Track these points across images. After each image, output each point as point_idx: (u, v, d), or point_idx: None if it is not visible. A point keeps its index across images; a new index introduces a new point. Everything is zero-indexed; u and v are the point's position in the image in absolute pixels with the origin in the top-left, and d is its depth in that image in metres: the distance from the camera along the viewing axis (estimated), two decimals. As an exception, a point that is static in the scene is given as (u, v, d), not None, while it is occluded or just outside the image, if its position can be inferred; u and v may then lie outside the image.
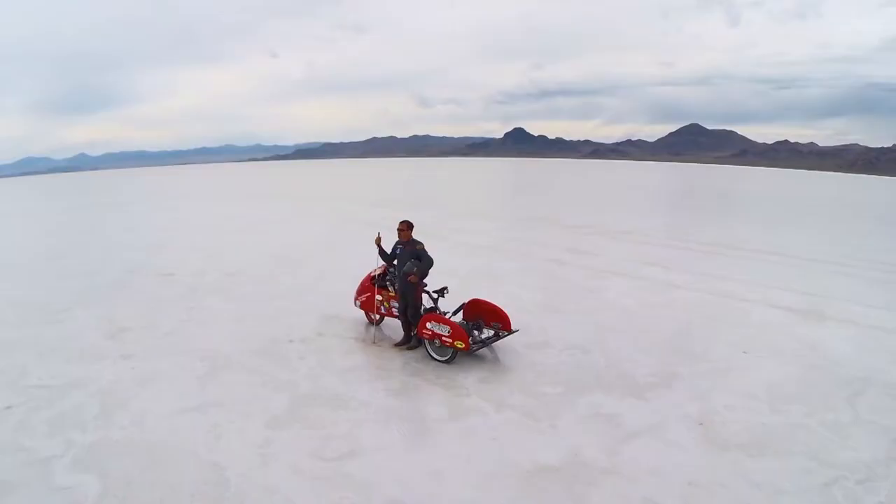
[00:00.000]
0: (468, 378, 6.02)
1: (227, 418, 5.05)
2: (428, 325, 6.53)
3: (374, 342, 7.19)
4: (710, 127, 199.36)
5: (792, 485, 3.98)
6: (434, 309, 6.96)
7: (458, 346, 6.27)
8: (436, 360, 6.54)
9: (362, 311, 8.03)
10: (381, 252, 7.21)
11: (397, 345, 7.08)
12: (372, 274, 7.76)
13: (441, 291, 7.02)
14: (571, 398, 5.49)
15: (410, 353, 6.77)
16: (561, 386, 5.78)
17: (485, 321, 6.93)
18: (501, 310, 6.92)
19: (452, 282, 7.39)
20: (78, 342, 7.14)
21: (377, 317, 7.84)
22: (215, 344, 7.00)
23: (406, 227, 6.91)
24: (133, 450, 4.50)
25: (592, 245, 14.07)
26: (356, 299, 7.94)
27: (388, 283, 7.39)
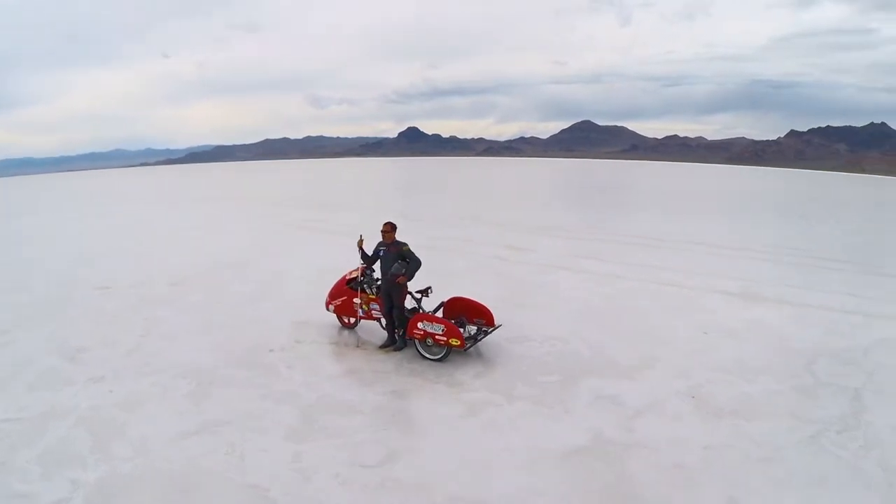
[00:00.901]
0: (466, 375, 6.31)
1: (241, 437, 4.92)
2: (419, 324, 6.73)
3: (357, 346, 7.25)
4: (601, 123, 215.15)
5: (786, 440, 4.77)
6: (416, 309, 7.17)
7: (454, 343, 6.54)
8: (427, 359, 6.74)
9: (333, 316, 8.00)
10: (363, 254, 7.28)
11: (382, 347, 7.19)
12: (347, 277, 7.78)
13: (425, 291, 7.23)
14: (571, 385, 5.99)
15: (399, 355, 6.92)
16: (556, 374, 6.26)
17: (467, 318, 7.25)
18: (483, 306, 7.28)
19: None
20: (34, 367, 6.51)
21: (353, 320, 7.87)
22: (189, 358, 6.69)
23: (390, 228, 7.06)
24: (152, 483, 4.25)
25: (524, 241, 14.91)
26: (329, 304, 7.89)
27: (365, 285, 7.46)
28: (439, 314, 7.26)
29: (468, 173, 54.74)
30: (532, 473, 4.36)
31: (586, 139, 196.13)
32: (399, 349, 7.08)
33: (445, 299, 7.42)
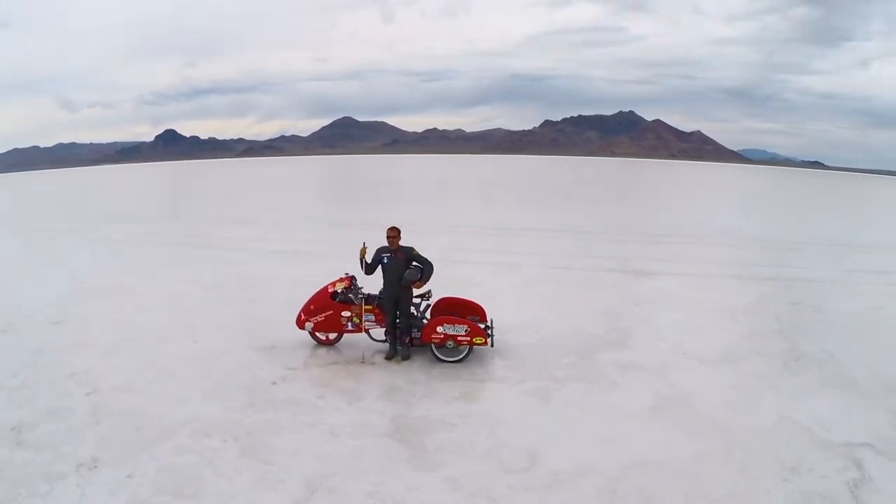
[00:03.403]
0: (495, 371, 6.91)
1: (368, 484, 4.54)
2: (439, 328, 7.04)
3: (362, 362, 7.14)
4: (361, 119, 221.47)
5: (771, 370, 6.75)
6: (415, 314, 7.41)
7: (478, 342, 7.05)
8: (446, 361, 7.08)
9: (301, 335, 7.64)
10: (365, 264, 7.18)
11: (388, 358, 7.23)
12: (329, 290, 7.51)
13: (425, 295, 7.49)
14: (591, 361, 7.09)
15: (410, 363, 7.09)
16: (570, 356, 7.24)
17: (461, 316, 7.72)
18: (475, 302, 7.81)
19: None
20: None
21: (333, 336, 7.62)
22: (184, 413, 5.71)
23: (396, 233, 7.15)
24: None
25: (383, 239, 15.50)
26: (305, 321, 7.52)
27: (352, 295, 7.37)
28: (427, 315, 7.56)
29: (250, 175, 52.74)
30: (651, 430, 5.37)
31: (347, 135, 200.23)
32: (406, 357, 7.23)
33: (432, 301, 7.73)
